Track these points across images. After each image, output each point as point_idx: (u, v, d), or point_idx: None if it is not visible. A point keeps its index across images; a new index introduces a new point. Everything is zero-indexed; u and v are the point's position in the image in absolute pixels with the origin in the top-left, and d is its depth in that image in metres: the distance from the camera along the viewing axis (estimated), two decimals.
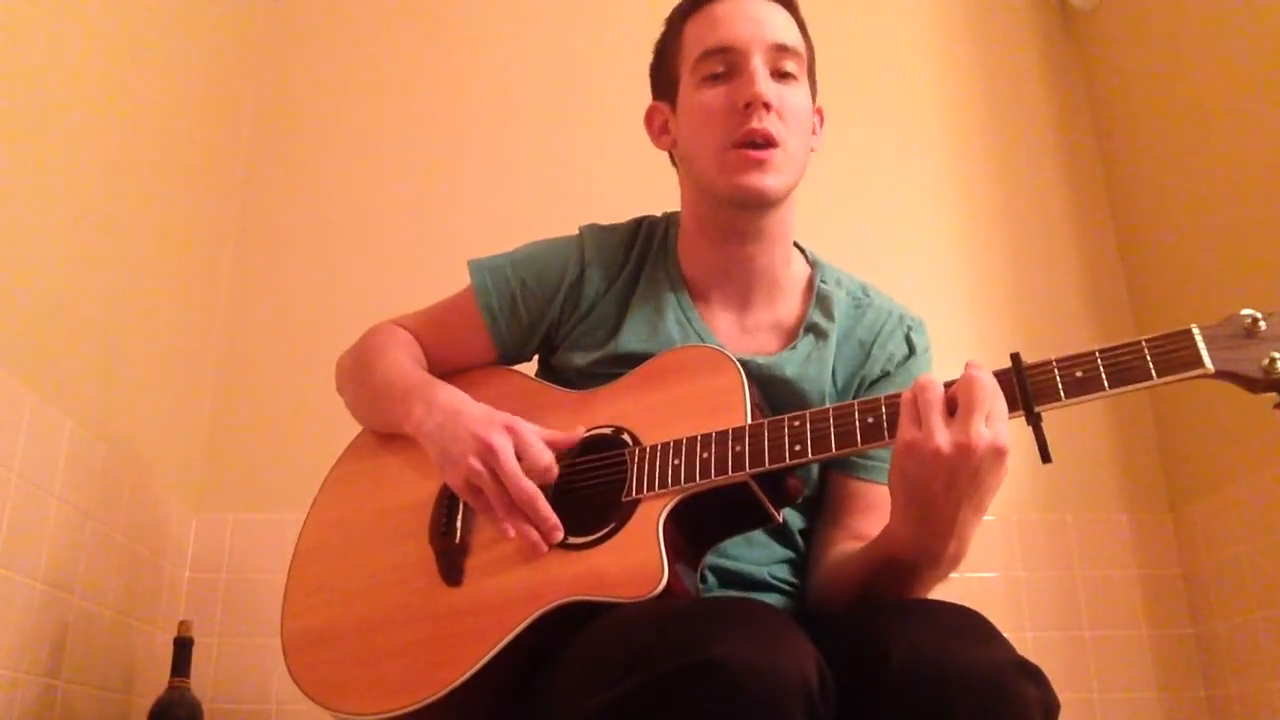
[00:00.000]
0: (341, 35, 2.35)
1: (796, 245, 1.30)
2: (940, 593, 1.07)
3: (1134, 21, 2.18)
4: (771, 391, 1.18)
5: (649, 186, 1.39)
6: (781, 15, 1.22)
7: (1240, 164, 1.84)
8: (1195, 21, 1.98)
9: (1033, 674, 0.85)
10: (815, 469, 1.23)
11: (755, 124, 1.15)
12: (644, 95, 1.34)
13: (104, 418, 1.60)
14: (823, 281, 1.28)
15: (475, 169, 2.23)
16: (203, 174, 2.03)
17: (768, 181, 1.16)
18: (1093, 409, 2.06)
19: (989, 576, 1.96)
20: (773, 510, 1.04)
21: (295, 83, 2.30)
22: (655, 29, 1.32)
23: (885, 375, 1.24)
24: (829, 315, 1.24)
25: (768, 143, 1.15)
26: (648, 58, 1.33)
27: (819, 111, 1.27)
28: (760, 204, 1.18)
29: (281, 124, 2.26)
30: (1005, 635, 0.89)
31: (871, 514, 1.17)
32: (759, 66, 1.17)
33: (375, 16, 2.36)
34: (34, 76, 1.42)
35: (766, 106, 1.15)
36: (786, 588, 1.18)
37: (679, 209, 1.31)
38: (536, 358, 1.35)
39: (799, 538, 1.22)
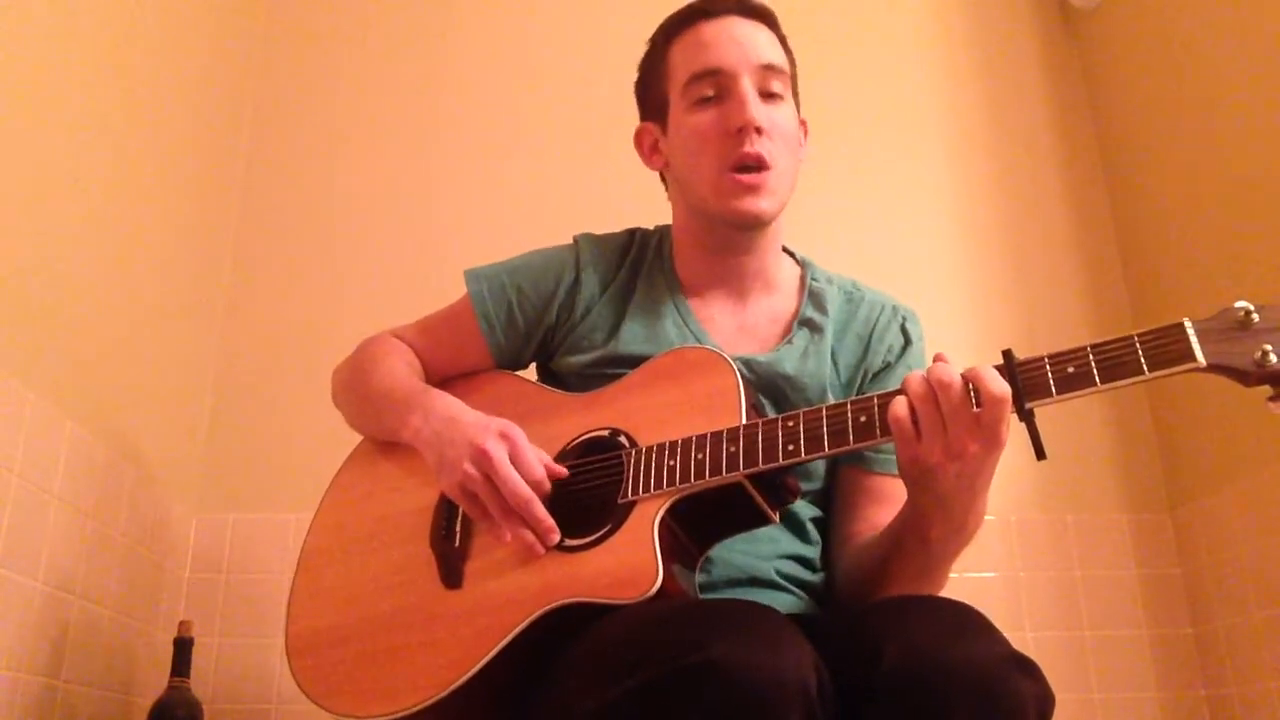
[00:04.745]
0: (342, 37, 2.34)
1: (785, 250, 1.34)
2: (941, 591, 1.08)
3: (1134, 21, 2.18)
4: (772, 388, 1.20)
5: (647, 197, 1.41)
6: (765, 34, 1.25)
7: (1240, 163, 1.84)
8: (1195, 21, 1.98)
9: (1028, 668, 0.86)
10: (821, 463, 1.23)
11: (748, 148, 1.18)
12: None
13: (104, 418, 1.60)
14: (814, 279, 1.31)
15: (475, 171, 2.23)
16: (202, 174, 2.03)
17: (762, 205, 1.20)
18: (1092, 409, 2.06)
19: (989, 576, 1.96)
20: (768, 511, 1.04)
21: (296, 82, 2.30)
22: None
23: (887, 366, 1.27)
24: (822, 309, 1.28)
25: (760, 165, 1.19)
26: None
27: (803, 123, 1.30)
28: (756, 225, 1.22)
29: (281, 124, 2.26)
30: (1004, 635, 0.89)
31: (885, 504, 1.18)
32: (748, 89, 1.19)
33: (376, 19, 2.36)
34: (34, 76, 1.43)
35: (759, 131, 1.18)
36: (791, 585, 1.18)
37: (670, 223, 1.34)
38: (534, 365, 1.35)
39: (810, 527, 1.22)
